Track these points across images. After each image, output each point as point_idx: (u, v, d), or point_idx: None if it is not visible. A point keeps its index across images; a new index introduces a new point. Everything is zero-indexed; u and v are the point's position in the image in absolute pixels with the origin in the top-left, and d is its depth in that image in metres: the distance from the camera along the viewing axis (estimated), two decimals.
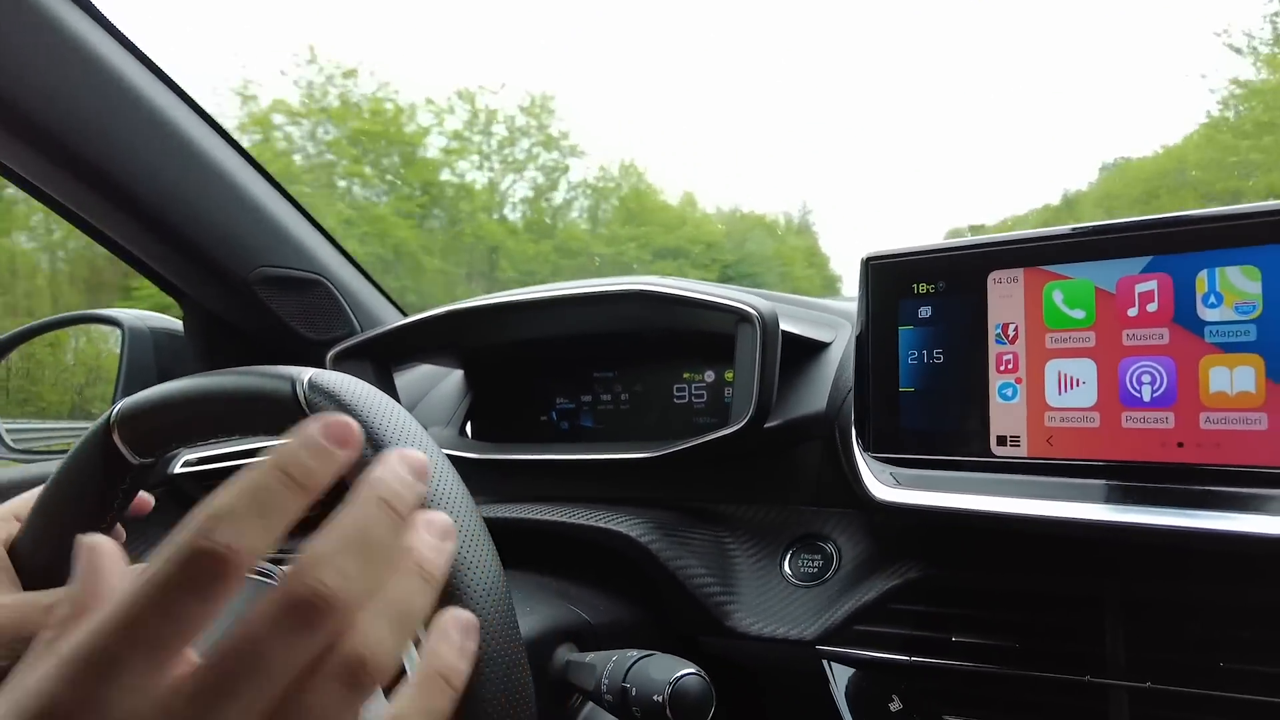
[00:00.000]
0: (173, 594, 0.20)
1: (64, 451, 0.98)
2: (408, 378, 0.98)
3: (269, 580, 0.44)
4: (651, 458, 0.68)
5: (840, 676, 0.58)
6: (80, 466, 0.47)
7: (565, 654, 0.53)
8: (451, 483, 0.37)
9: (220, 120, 0.80)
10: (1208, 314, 0.46)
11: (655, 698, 0.45)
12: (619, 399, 0.86)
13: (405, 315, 1.05)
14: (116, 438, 0.47)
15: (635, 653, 0.48)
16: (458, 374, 0.95)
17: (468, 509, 0.37)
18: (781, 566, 0.65)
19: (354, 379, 0.41)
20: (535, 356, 0.89)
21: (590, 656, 0.51)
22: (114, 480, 0.48)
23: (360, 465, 0.30)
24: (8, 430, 1.01)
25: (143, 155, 0.74)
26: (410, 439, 0.39)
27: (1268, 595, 0.47)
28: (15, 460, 1.00)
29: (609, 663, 0.48)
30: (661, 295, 0.66)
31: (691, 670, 0.46)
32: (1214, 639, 0.48)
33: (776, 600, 0.63)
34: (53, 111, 0.67)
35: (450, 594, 0.34)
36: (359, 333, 0.95)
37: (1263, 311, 0.44)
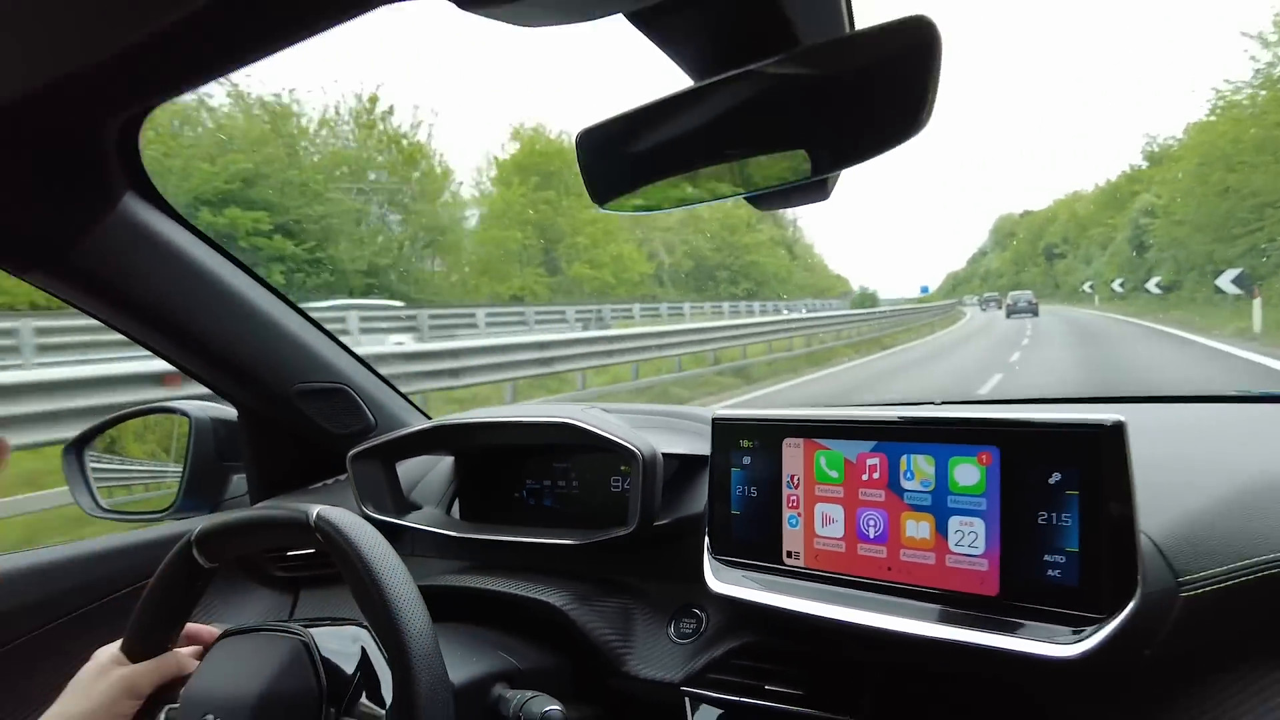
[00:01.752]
0: None
1: (142, 512, 1.25)
2: (409, 465, 1.24)
3: (292, 635, 0.69)
4: (575, 545, 0.93)
5: (697, 711, 0.83)
6: (171, 574, 0.74)
7: (498, 690, 0.78)
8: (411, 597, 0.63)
9: None
10: (906, 484, 0.70)
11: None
12: (571, 484, 1.11)
13: (408, 400, 1.33)
14: (195, 552, 0.73)
15: (530, 693, 0.74)
16: (449, 460, 1.21)
17: (426, 627, 0.62)
18: (668, 628, 0.89)
19: (349, 513, 0.67)
20: (510, 447, 1.14)
21: (509, 693, 0.76)
22: (194, 581, 0.74)
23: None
24: (101, 494, 1.29)
25: (209, 316, 1.02)
26: (387, 563, 0.64)
27: (949, 665, 0.70)
28: (104, 519, 1.28)
29: (515, 698, 0.74)
30: (578, 429, 0.92)
31: (556, 706, 0.71)
32: (933, 693, 0.72)
33: (660, 653, 0.87)
34: (149, 294, 0.95)
35: (397, 657, 0.59)
36: (373, 426, 1.23)
37: (935, 485, 0.68)
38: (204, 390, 1.16)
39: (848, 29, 0.50)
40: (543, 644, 0.90)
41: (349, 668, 0.67)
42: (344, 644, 0.70)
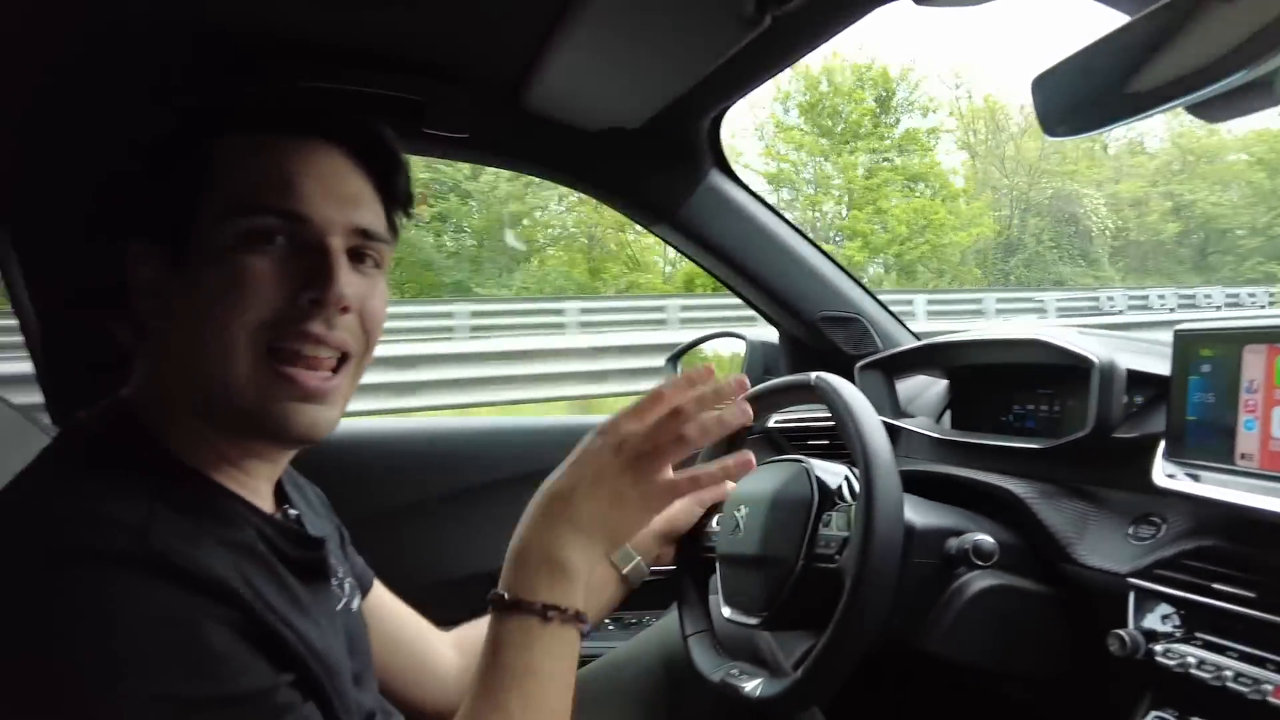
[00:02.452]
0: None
1: None
2: (909, 385, 1.46)
3: (797, 461, 0.99)
4: (1039, 448, 1.05)
5: (1141, 603, 0.90)
6: None
7: (957, 543, 0.97)
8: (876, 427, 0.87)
9: None
10: None
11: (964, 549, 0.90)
12: (1053, 410, 1.21)
13: (912, 334, 1.54)
14: None
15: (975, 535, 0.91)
16: (943, 383, 1.40)
17: (886, 450, 0.85)
18: (1125, 529, 0.96)
19: (839, 377, 0.94)
20: (998, 372, 1.28)
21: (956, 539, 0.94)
22: (735, 433, 1.09)
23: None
24: None
25: (760, 255, 1.39)
26: (862, 407, 0.89)
27: None
28: None
29: (960, 539, 0.92)
30: (1043, 343, 1.04)
31: (989, 539, 0.88)
32: None
33: (1111, 547, 0.95)
34: (723, 242, 1.36)
35: (864, 470, 0.84)
36: (879, 351, 1.48)
37: None
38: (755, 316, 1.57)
39: None
40: (1004, 526, 1.04)
41: (834, 484, 0.95)
42: (834, 472, 0.97)
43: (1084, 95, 0.75)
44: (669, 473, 0.73)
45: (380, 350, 0.73)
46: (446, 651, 1.01)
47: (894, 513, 0.83)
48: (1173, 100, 0.65)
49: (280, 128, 0.66)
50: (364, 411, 5.08)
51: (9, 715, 0.49)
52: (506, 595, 0.69)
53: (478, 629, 1.03)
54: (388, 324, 0.72)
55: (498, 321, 9.15)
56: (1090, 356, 0.96)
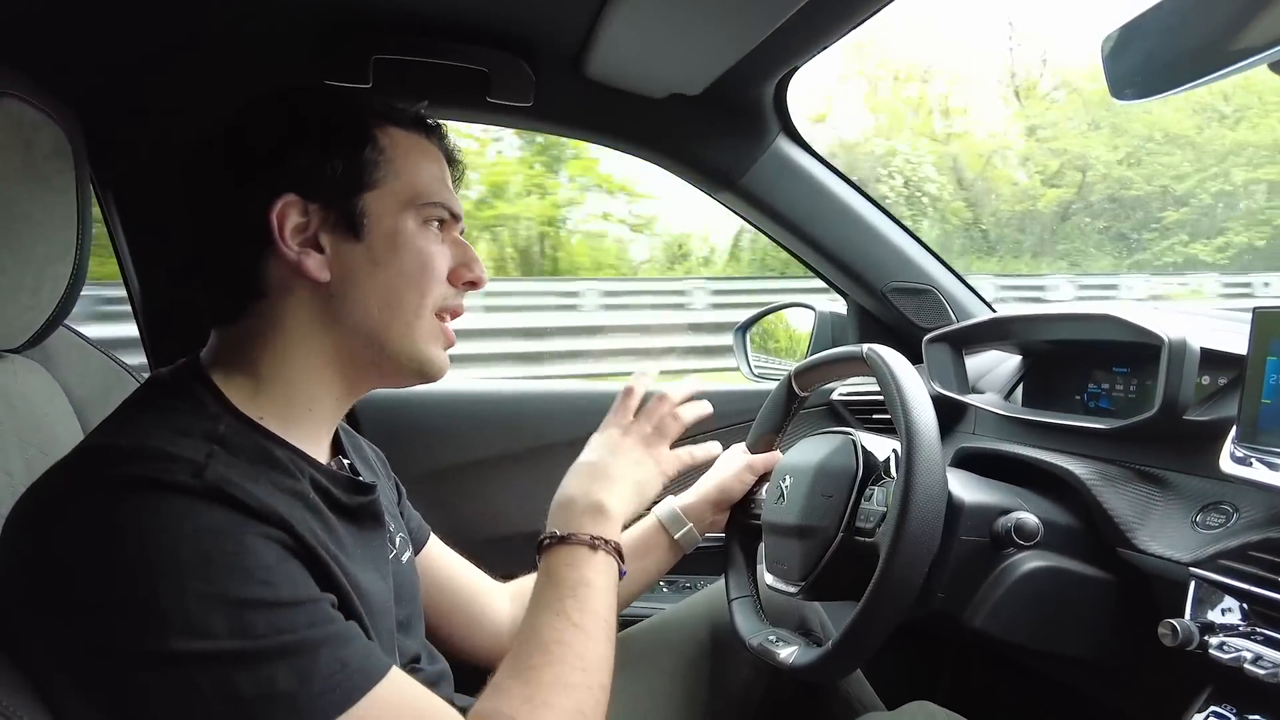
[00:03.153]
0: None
1: (775, 376, 1.71)
2: (984, 358, 1.41)
3: (844, 433, 0.98)
4: (1104, 429, 1.01)
5: (1201, 593, 0.85)
6: (776, 396, 1.10)
7: (1003, 522, 0.95)
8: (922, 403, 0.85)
9: None
10: None
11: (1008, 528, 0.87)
12: (1129, 390, 1.15)
13: (990, 308, 1.49)
14: (793, 382, 1.07)
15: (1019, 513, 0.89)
16: (1016, 358, 1.35)
17: (930, 425, 0.84)
18: (1192, 517, 0.91)
19: (889, 349, 0.92)
20: (1078, 352, 1.23)
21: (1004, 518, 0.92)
22: (790, 402, 1.10)
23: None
24: (754, 363, 1.79)
25: (827, 223, 1.36)
26: (906, 377, 0.88)
27: None
28: (755, 380, 1.76)
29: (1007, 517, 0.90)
30: (1113, 319, 0.99)
31: (1033, 518, 0.85)
32: None
33: (1173, 534, 0.90)
34: (790, 209, 1.34)
35: (906, 444, 0.83)
36: (953, 324, 1.44)
37: None
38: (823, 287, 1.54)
39: None
40: (1063, 507, 1.01)
41: (881, 457, 0.94)
42: (881, 445, 0.96)
43: (1158, 55, 0.71)
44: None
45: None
46: (502, 602, 1.07)
47: (932, 490, 0.82)
48: (1257, 56, 0.61)
49: (426, 131, 0.80)
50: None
51: (81, 625, 0.55)
52: (557, 532, 0.84)
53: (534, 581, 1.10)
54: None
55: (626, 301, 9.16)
56: (1160, 334, 0.91)
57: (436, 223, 0.77)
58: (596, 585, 0.80)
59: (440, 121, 0.82)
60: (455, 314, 0.80)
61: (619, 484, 0.90)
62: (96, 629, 0.55)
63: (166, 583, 0.55)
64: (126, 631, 0.55)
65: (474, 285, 0.80)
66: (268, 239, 0.69)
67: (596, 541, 0.83)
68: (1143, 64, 0.73)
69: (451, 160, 0.82)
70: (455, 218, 0.80)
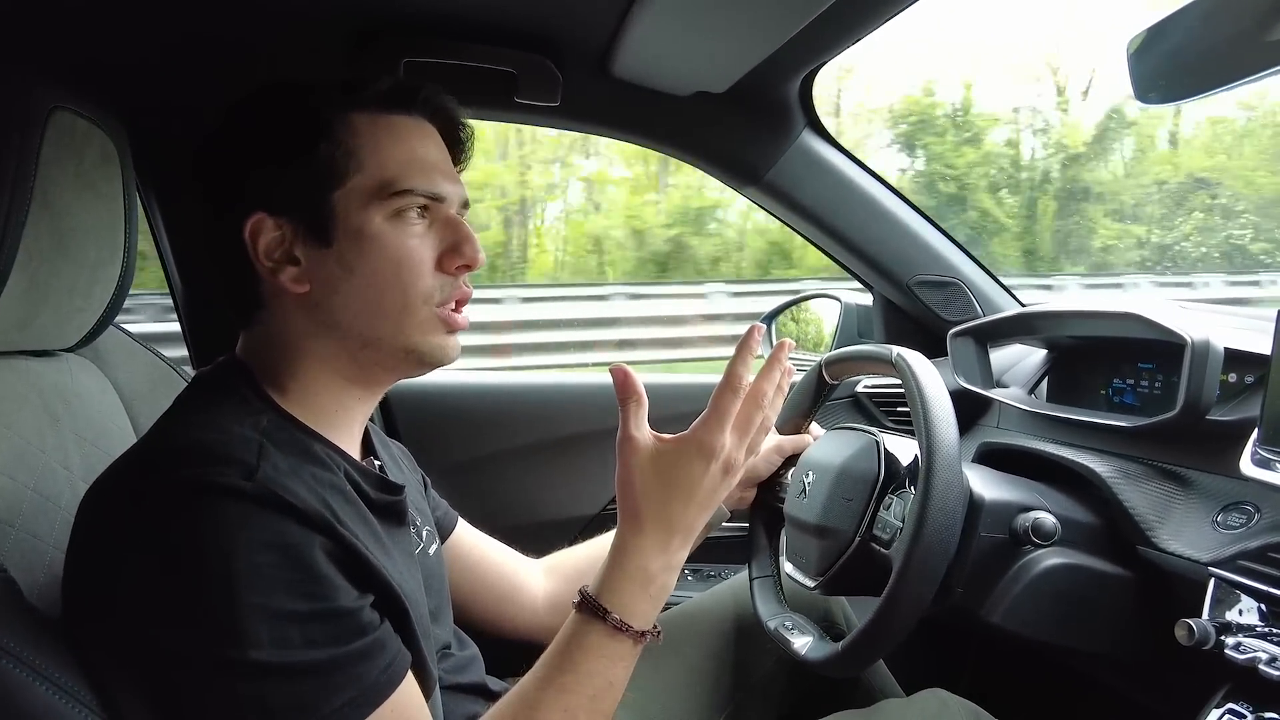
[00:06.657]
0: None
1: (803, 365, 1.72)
2: (1009, 351, 1.41)
3: (869, 433, 0.99)
4: (1126, 427, 1.01)
5: (1219, 593, 0.86)
6: (807, 381, 1.12)
7: (1022, 520, 0.95)
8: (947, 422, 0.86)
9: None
10: None
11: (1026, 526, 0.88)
12: (1154, 387, 1.15)
13: (1019, 302, 1.49)
14: (824, 370, 1.09)
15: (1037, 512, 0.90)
16: (1041, 352, 1.35)
17: (950, 444, 0.85)
18: (1213, 517, 0.92)
19: (918, 354, 0.93)
20: (1104, 348, 1.23)
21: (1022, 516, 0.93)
22: (820, 389, 1.11)
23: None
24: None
25: (853, 216, 1.37)
26: (931, 389, 0.89)
27: None
28: None
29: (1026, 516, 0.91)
30: (1139, 318, 0.99)
31: (1050, 517, 0.86)
32: None
33: (1194, 533, 0.91)
34: (815, 203, 1.35)
35: (926, 453, 0.84)
36: (979, 317, 1.44)
37: None
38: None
39: None
40: (1084, 504, 1.02)
41: (904, 461, 0.95)
42: (905, 448, 0.98)
43: (1182, 60, 0.71)
44: None
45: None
46: (536, 578, 1.09)
47: (946, 511, 0.83)
48: None
49: (401, 107, 0.74)
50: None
51: (138, 626, 0.59)
52: (606, 607, 0.74)
53: (570, 556, 1.12)
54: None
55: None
56: (1183, 334, 0.91)
57: (417, 210, 0.72)
58: (618, 686, 0.74)
59: (421, 85, 0.76)
60: (461, 302, 0.75)
61: (679, 536, 0.78)
62: (154, 630, 0.59)
63: (221, 593, 0.58)
64: (185, 638, 0.58)
65: (468, 269, 0.74)
66: (246, 258, 0.71)
67: (646, 635, 0.75)
68: (1169, 67, 0.73)
69: (446, 132, 0.78)
70: (437, 200, 0.73)
